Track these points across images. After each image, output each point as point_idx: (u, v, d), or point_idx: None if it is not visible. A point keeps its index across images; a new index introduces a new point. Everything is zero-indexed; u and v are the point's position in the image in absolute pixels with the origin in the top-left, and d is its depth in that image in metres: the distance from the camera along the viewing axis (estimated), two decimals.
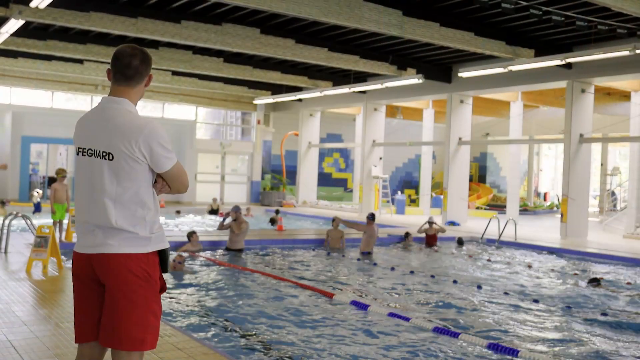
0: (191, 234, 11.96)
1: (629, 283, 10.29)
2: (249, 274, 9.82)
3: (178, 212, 21.15)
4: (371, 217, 12.85)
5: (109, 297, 2.85)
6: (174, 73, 21.47)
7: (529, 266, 11.98)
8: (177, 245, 12.04)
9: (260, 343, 5.95)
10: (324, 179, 29.08)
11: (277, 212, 19.27)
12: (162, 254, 2.94)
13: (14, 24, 12.76)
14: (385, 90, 20.90)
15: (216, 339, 5.99)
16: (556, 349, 6.21)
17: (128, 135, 2.80)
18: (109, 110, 2.90)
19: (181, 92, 24.70)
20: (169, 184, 2.97)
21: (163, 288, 2.96)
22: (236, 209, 12.17)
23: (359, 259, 12.14)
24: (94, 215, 2.87)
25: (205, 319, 6.88)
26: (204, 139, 26.93)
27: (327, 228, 14.64)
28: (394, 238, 15.14)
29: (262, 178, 27.62)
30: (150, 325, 2.86)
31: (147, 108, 24.92)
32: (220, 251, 12.24)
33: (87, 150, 2.89)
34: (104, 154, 2.84)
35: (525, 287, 9.73)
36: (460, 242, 14.99)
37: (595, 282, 9.92)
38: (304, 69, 20.93)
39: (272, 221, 17.98)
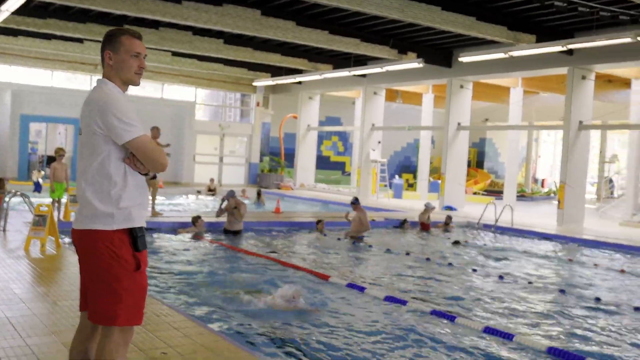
0: (196, 219, 12.00)
1: (622, 271, 10.36)
2: (248, 256, 9.87)
3: (199, 192, 22.22)
4: (355, 201, 12.66)
5: (82, 271, 3.04)
6: (174, 54, 21.41)
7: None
8: (180, 226, 12.14)
9: (258, 325, 5.99)
10: (322, 162, 29.10)
11: (258, 192, 20.94)
12: (133, 233, 2.95)
13: (14, 2, 12.63)
14: (386, 74, 20.85)
15: (212, 320, 6.04)
16: (547, 333, 6.28)
17: (91, 109, 2.93)
18: (91, 91, 3.08)
19: (181, 73, 24.62)
20: (140, 159, 2.95)
21: (139, 266, 2.95)
22: (231, 194, 12.17)
23: (354, 243, 12.18)
24: (77, 190, 3.01)
25: (201, 299, 6.93)
26: (203, 120, 26.89)
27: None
28: (392, 222, 15.20)
29: (261, 160, 27.64)
30: (122, 302, 2.89)
31: (146, 89, 24.83)
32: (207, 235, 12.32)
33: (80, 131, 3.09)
34: (79, 131, 3.05)
35: (519, 271, 9.80)
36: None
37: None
38: (304, 52, 20.84)
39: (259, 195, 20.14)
